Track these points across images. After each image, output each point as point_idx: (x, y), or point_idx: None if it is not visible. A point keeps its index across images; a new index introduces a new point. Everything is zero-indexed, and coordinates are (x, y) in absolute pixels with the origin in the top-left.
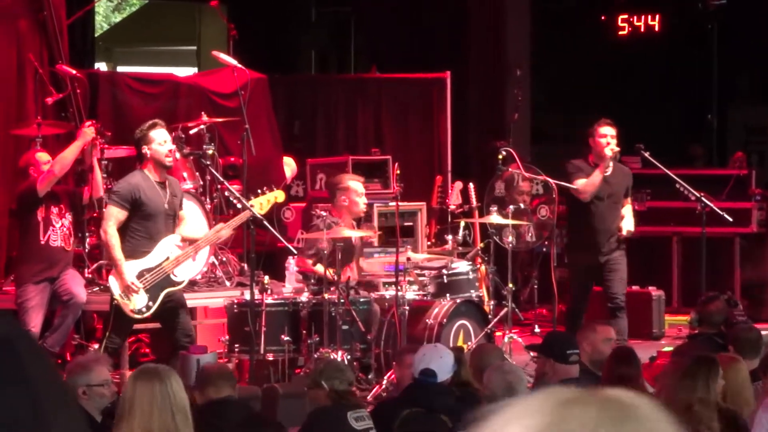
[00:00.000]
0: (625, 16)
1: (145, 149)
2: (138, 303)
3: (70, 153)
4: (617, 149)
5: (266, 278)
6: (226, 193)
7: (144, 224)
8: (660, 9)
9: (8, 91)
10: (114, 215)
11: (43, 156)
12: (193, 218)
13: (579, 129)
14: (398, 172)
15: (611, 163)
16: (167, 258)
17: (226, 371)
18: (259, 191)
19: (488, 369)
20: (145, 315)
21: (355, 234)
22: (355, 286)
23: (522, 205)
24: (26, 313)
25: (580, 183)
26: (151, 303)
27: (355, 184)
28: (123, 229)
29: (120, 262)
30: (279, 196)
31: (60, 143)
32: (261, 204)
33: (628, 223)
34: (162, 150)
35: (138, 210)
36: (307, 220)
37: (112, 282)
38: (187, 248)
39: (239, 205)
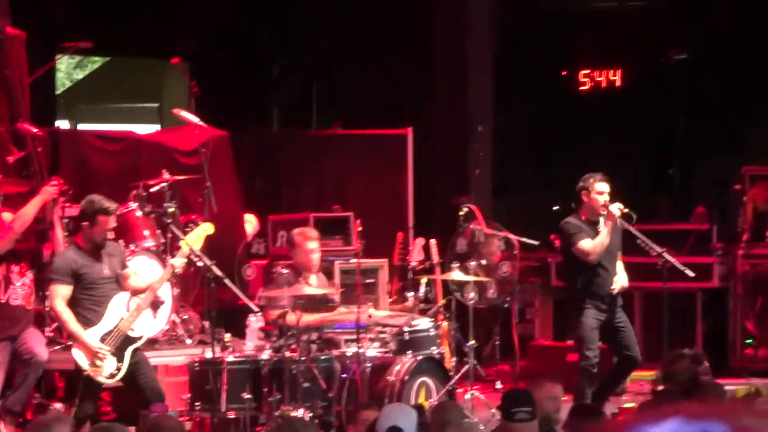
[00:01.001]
0: (587, 72)
1: (86, 226)
2: (108, 368)
3: (30, 210)
4: (625, 208)
5: (227, 336)
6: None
7: (89, 293)
8: (621, 64)
9: None
10: (59, 293)
11: (7, 215)
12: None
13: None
14: (360, 228)
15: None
16: (121, 318)
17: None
18: (187, 228)
19: (448, 427)
20: (117, 378)
21: (315, 291)
22: (317, 342)
23: (484, 261)
24: None
25: (586, 245)
26: (120, 364)
27: (299, 238)
28: (72, 302)
29: (79, 333)
30: (208, 228)
31: (22, 201)
32: (193, 241)
33: (621, 279)
34: (99, 236)
35: (80, 281)
36: (269, 278)
37: (78, 354)
38: (142, 299)
39: (200, 263)
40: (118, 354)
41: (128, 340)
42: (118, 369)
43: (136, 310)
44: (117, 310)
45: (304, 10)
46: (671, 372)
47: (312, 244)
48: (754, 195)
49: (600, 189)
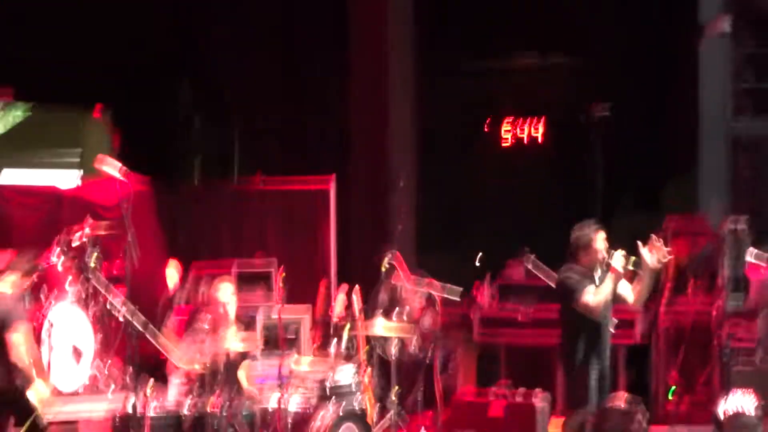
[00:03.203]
0: (509, 128)
1: None
2: None
3: None
4: (629, 257)
5: (150, 384)
6: (107, 305)
7: None
8: (544, 118)
9: None
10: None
11: None
12: (76, 325)
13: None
14: (283, 274)
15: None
16: None
17: None
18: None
19: None
20: None
21: (235, 347)
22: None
23: (405, 316)
24: None
25: (590, 300)
26: None
27: (218, 292)
28: None
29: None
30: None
31: None
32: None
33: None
34: None
35: None
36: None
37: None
38: None
39: (120, 317)
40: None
41: None
42: None
43: None
44: None
45: (221, 62)
46: (600, 429)
47: (225, 297)
48: (676, 250)
49: (599, 246)
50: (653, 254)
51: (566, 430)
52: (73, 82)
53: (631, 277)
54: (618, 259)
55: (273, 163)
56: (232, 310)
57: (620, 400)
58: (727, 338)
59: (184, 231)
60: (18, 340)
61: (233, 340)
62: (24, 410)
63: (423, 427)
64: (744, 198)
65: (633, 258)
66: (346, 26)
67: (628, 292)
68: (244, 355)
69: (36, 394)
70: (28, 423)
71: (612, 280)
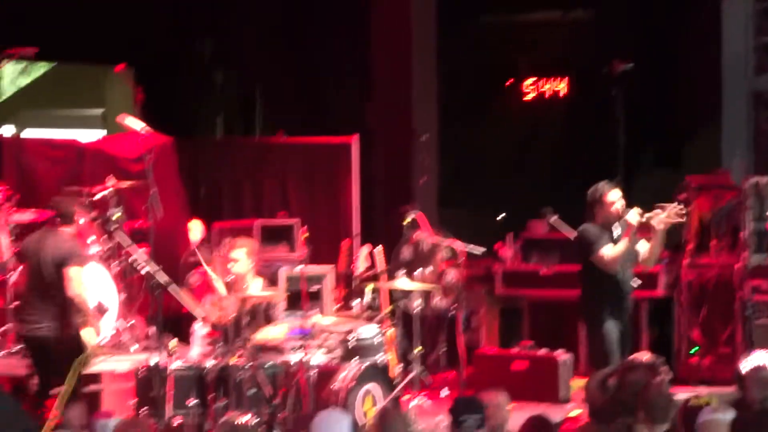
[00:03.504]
0: (531, 81)
1: None
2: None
3: None
4: (644, 213)
5: (173, 342)
6: (130, 259)
7: None
8: (566, 74)
9: None
10: (80, 276)
11: None
12: (100, 282)
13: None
14: (305, 235)
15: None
16: None
17: None
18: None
19: None
20: None
21: (259, 294)
22: (262, 350)
23: (429, 269)
24: None
25: (607, 253)
26: None
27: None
28: None
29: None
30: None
31: None
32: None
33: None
34: None
35: None
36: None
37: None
38: None
39: (143, 271)
40: None
41: None
42: None
43: None
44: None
45: (242, 18)
46: (624, 383)
47: (234, 254)
48: (699, 205)
49: (611, 199)
50: (664, 215)
51: (589, 387)
52: (95, 41)
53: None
54: (633, 213)
55: (295, 120)
56: (244, 269)
57: (643, 356)
58: (749, 293)
59: (206, 189)
60: (75, 274)
61: (257, 291)
62: (77, 350)
63: (446, 385)
64: (766, 153)
65: (648, 213)
66: None
67: (642, 253)
68: (267, 307)
69: (89, 336)
70: (76, 362)
71: (629, 236)
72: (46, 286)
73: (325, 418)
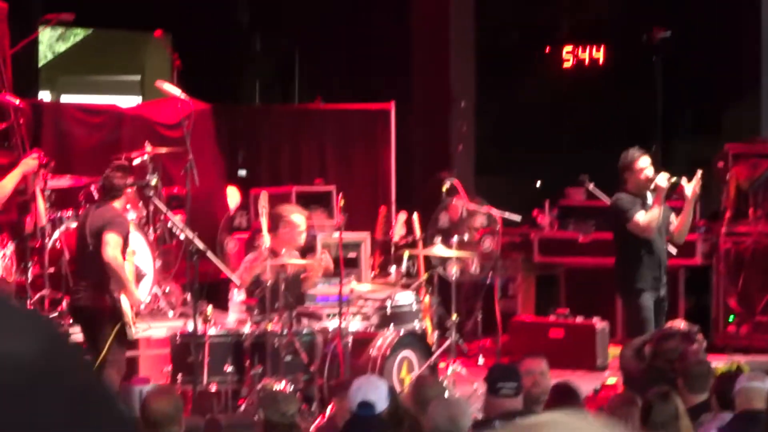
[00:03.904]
0: (570, 48)
1: None
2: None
3: (9, 182)
4: (672, 177)
5: (209, 309)
6: (169, 224)
7: None
8: (604, 41)
9: None
10: (118, 242)
11: None
12: (137, 248)
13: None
14: (342, 202)
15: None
16: None
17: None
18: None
19: (433, 401)
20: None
21: (298, 262)
22: (298, 317)
23: (466, 237)
24: None
25: (642, 219)
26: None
27: (297, 218)
28: None
29: (131, 284)
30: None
31: (3, 174)
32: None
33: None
34: None
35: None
36: (251, 251)
37: (125, 303)
38: None
39: (182, 236)
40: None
41: None
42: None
43: None
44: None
45: None
46: (660, 351)
47: (303, 224)
48: (737, 173)
49: (642, 165)
50: (693, 183)
51: (624, 355)
52: (133, 7)
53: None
54: (662, 177)
55: (333, 87)
56: (301, 236)
57: (678, 324)
58: None
59: (244, 154)
60: (112, 239)
61: (294, 259)
62: (115, 318)
63: (482, 352)
64: None
65: (675, 180)
66: None
67: (672, 227)
68: (304, 275)
69: (127, 302)
70: (116, 329)
71: (659, 201)
72: (89, 256)
73: (362, 383)
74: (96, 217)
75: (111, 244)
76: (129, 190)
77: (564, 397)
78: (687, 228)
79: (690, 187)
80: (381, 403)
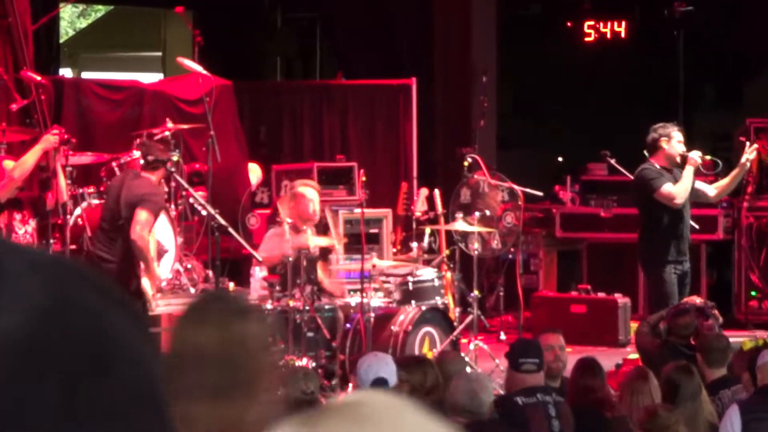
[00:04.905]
0: (592, 23)
1: None
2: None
3: (30, 158)
4: (706, 155)
5: (231, 285)
6: (191, 200)
7: None
8: (626, 15)
9: None
10: (149, 221)
11: (9, 163)
12: (160, 224)
13: (545, 136)
14: (364, 178)
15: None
16: None
17: None
18: None
19: (455, 377)
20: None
21: (319, 241)
22: (320, 293)
23: (488, 212)
24: None
25: (671, 188)
26: None
27: (305, 189)
28: None
29: (154, 263)
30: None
31: (25, 150)
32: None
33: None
34: None
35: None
36: (272, 227)
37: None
38: None
39: (204, 212)
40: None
41: None
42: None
43: None
44: None
45: None
46: (675, 327)
47: (311, 194)
48: (759, 147)
49: (680, 138)
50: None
51: (640, 332)
52: None
53: (712, 180)
54: (695, 153)
55: (354, 62)
56: (310, 206)
57: (694, 299)
58: None
59: (266, 130)
60: (143, 218)
61: (315, 236)
62: (138, 294)
63: (504, 328)
64: None
65: (710, 158)
66: None
67: (708, 188)
68: (326, 251)
69: (149, 281)
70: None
71: (691, 172)
72: (117, 228)
73: (371, 361)
74: (133, 188)
75: (141, 221)
76: (169, 164)
77: (588, 372)
78: (727, 191)
79: (746, 156)
80: (392, 378)
